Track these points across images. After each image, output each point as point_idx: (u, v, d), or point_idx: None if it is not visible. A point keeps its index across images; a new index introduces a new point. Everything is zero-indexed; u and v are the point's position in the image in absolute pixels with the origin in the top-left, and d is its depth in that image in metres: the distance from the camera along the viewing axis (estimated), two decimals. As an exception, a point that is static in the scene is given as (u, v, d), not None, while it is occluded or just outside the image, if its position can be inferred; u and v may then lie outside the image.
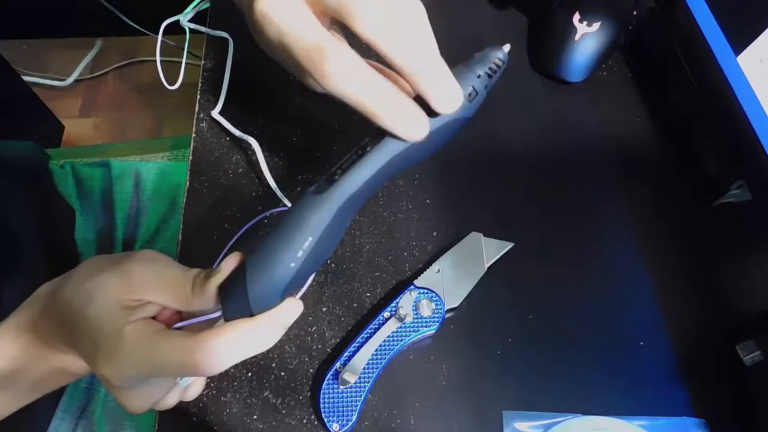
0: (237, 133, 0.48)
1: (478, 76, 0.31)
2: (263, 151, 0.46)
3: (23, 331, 0.33)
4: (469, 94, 0.30)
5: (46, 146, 0.71)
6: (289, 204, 0.45)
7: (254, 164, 0.48)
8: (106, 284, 0.30)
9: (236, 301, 0.28)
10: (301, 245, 0.28)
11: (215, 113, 0.49)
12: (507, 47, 0.32)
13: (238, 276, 0.29)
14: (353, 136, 0.31)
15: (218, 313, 0.30)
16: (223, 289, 0.29)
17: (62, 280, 0.33)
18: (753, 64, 0.39)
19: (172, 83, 0.51)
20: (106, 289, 0.30)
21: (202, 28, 0.54)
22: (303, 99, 0.51)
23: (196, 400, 0.40)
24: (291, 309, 0.30)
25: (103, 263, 0.32)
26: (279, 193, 0.45)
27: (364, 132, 0.30)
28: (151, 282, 0.31)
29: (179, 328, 0.32)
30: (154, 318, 0.31)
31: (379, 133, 0.29)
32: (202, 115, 0.50)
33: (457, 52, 0.57)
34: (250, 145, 0.49)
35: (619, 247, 0.46)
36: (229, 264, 0.30)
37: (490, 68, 0.31)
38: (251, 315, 0.29)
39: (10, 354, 0.33)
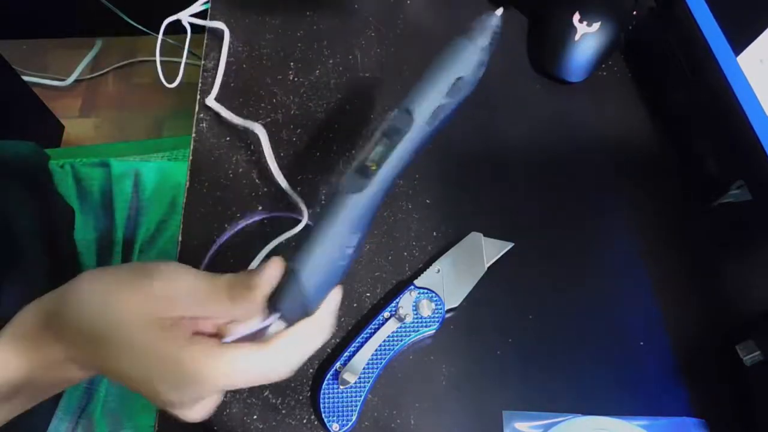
0: (236, 120, 0.47)
1: (483, 48, 0.31)
2: (269, 141, 0.46)
3: (23, 346, 0.31)
4: (480, 65, 0.31)
5: (46, 146, 0.71)
6: (292, 194, 0.45)
7: (254, 164, 0.48)
8: (139, 309, 0.28)
9: (295, 304, 0.29)
10: (351, 243, 0.29)
11: (210, 100, 0.48)
12: (500, 11, 0.32)
13: (290, 280, 0.28)
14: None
15: (265, 322, 0.29)
16: (278, 295, 0.29)
17: (61, 297, 0.31)
18: (753, 64, 0.39)
19: (171, 83, 0.51)
20: (141, 313, 0.28)
21: (201, 21, 0.54)
22: (302, 95, 0.51)
23: (196, 400, 0.39)
24: (337, 297, 0.30)
25: (117, 283, 0.30)
26: (285, 184, 0.45)
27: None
28: (185, 297, 0.29)
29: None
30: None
31: (401, 118, 0.29)
32: (202, 115, 0.50)
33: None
34: (249, 144, 0.49)
35: (619, 247, 0.46)
36: (271, 269, 0.29)
37: (492, 37, 0.31)
38: (309, 314, 0.29)
39: (14, 366, 0.31)
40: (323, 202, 0.29)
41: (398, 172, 0.29)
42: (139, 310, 0.28)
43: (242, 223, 0.45)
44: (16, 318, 0.31)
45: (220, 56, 0.52)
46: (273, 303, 0.29)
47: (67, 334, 0.30)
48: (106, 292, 0.29)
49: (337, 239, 0.28)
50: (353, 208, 0.28)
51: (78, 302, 0.30)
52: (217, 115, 0.50)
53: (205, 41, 0.54)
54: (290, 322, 0.29)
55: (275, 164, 0.45)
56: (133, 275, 0.29)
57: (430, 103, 0.30)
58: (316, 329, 0.30)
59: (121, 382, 0.30)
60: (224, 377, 0.28)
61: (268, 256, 0.43)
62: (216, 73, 0.51)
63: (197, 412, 0.30)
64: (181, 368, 0.27)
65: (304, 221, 0.44)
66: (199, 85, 0.51)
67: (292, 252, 0.29)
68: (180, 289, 0.29)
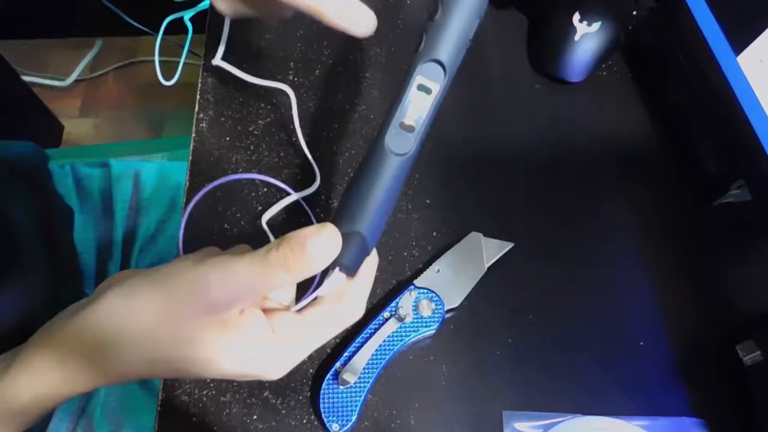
0: (247, 77, 0.46)
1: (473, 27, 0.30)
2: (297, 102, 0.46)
3: (51, 366, 0.30)
4: (469, 41, 0.30)
5: (46, 146, 0.71)
6: (309, 157, 0.47)
7: (254, 163, 0.48)
8: (201, 317, 0.28)
9: (358, 261, 0.30)
10: (396, 196, 0.31)
11: (217, 60, 0.46)
12: None
13: (354, 242, 0.30)
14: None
15: (328, 279, 0.30)
16: (342, 255, 0.29)
17: (84, 321, 0.29)
18: (753, 64, 0.39)
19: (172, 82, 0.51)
20: (206, 321, 0.28)
21: (203, 6, 0.53)
22: (301, 95, 0.51)
23: (196, 400, 0.40)
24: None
25: (165, 299, 0.28)
26: (306, 150, 0.46)
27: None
28: (245, 288, 0.28)
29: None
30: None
31: (433, 70, 0.29)
32: (201, 115, 0.50)
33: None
34: (249, 145, 0.49)
35: (619, 247, 0.46)
36: (325, 233, 0.29)
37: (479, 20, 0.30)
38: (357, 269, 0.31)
39: (44, 383, 0.30)
40: (367, 161, 0.29)
41: (430, 126, 0.30)
42: (201, 319, 0.28)
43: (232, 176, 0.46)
44: (41, 336, 0.31)
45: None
46: (336, 260, 0.29)
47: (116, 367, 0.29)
48: (161, 312, 0.28)
49: (390, 199, 0.30)
50: (401, 167, 0.30)
51: (130, 328, 0.28)
52: (217, 114, 0.50)
53: (205, 41, 0.54)
54: (350, 272, 0.30)
55: (299, 125, 0.46)
56: (177, 286, 0.29)
57: (459, 50, 0.29)
58: (371, 275, 0.32)
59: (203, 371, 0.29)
60: (312, 344, 0.30)
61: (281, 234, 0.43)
62: (222, 32, 0.50)
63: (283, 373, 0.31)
64: (271, 351, 0.29)
65: (316, 184, 0.46)
66: (199, 85, 0.51)
67: (345, 215, 0.30)
68: (237, 283, 0.28)
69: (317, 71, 0.53)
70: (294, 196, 0.46)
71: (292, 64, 0.53)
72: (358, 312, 0.31)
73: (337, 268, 0.29)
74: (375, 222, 0.30)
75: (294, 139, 0.49)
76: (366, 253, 0.30)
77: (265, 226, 0.45)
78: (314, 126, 0.50)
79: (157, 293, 0.29)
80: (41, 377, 0.29)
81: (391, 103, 0.29)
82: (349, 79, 0.53)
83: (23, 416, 0.30)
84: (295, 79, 0.52)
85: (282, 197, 0.46)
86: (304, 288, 0.36)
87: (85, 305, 0.30)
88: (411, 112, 0.29)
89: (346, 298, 0.30)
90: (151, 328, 0.28)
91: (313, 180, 0.47)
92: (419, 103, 0.29)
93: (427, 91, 0.29)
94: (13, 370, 0.29)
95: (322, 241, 0.28)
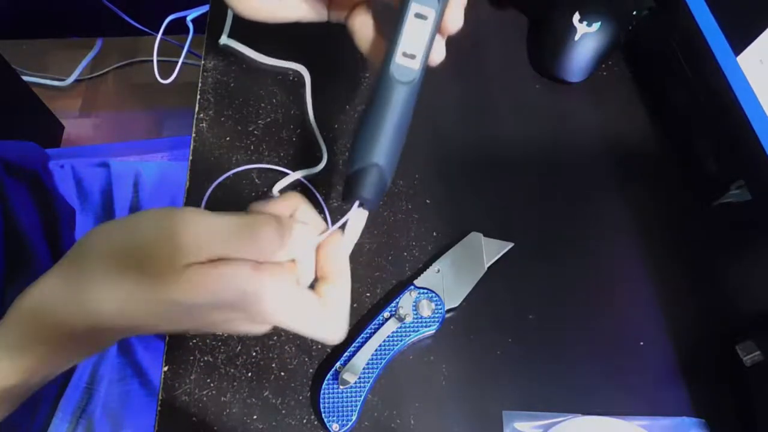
0: (254, 55, 0.46)
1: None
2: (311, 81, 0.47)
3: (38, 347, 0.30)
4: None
5: (46, 146, 0.71)
6: (318, 136, 0.48)
7: (254, 163, 0.48)
8: (185, 250, 0.27)
9: (378, 194, 0.30)
10: (408, 128, 0.31)
11: (224, 39, 0.46)
12: None
13: (374, 173, 0.30)
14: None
15: (348, 214, 0.31)
16: (363, 188, 0.30)
17: (72, 267, 0.29)
18: (753, 64, 0.39)
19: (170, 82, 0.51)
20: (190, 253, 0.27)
21: (204, 8, 0.53)
22: (301, 94, 0.51)
23: (196, 400, 0.40)
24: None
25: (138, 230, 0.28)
26: (320, 138, 0.47)
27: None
28: (219, 237, 0.27)
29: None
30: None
31: None
32: (201, 115, 0.50)
33: (457, 52, 0.57)
34: (249, 145, 0.49)
35: (619, 247, 0.46)
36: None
37: None
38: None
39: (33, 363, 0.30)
40: (375, 94, 0.30)
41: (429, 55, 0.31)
42: (172, 264, 0.27)
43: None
44: (18, 311, 0.30)
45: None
46: (356, 194, 0.30)
47: (93, 304, 0.28)
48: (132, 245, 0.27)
49: (402, 125, 0.31)
50: (408, 95, 0.30)
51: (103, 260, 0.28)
52: (217, 114, 0.50)
53: (205, 41, 0.54)
54: (370, 207, 0.31)
55: (311, 106, 0.47)
56: (153, 229, 0.28)
57: None
58: (343, 285, 0.30)
59: (181, 319, 0.28)
60: (281, 312, 0.28)
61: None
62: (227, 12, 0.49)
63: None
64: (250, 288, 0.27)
65: (323, 163, 0.47)
66: (199, 85, 0.51)
67: (360, 150, 0.30)
68: (205, 232, 0.27)
69: (330, 53, 0.53)
70: (299, 173, 0.47)
71: (301, 46, 0.53)
72: (336, 323, 0.30)
73: (357, 203, 0.30)
74: (390, 153, 0.30)
75: (294, 139, 0.49)
76: (384, 186, 0.31)
77: (277, 194, 0.45)
78: (325, 109, 0.51)
79: (125, 227, 0.29)
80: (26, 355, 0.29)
81: (391, 35, 0.30)
82: (362, 62, 0.53)
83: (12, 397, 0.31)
84: (295, 78, 0.52)
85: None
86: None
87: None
88: (411, 40, 0.30)
89: (329, 306, 0.29)
90: (117, 254, 0.27)
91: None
92: (418, 30, 0.30)
93: (424, 17, 0.30)
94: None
95: (303, 228, 0.29)
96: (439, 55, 0.33)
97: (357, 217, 0.31)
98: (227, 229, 0.28)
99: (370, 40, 0.34)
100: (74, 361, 0.32)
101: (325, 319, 0.29)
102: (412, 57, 0.30)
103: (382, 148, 0.30)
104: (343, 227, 0.31)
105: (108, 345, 0.33)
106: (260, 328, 0.30)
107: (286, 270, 0.29)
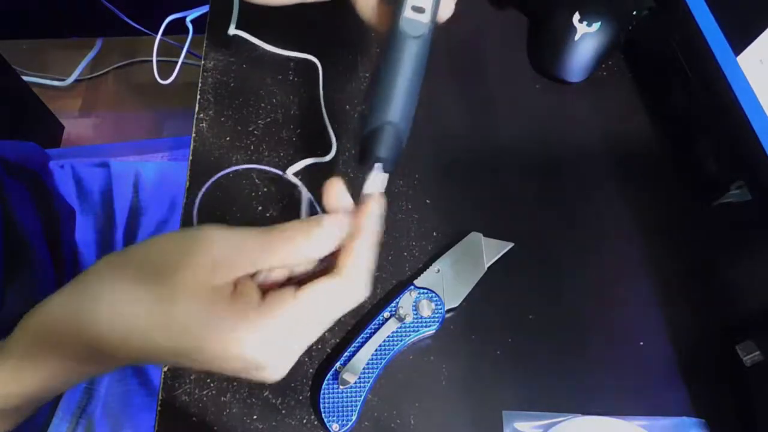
0: (268, 47, 0.46)
1: None
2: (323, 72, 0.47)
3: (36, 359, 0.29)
4: None
5: (46, 146, 0.71)
6: (329, 126, 0.48)
7: (254, 163, 0.48)
8: (193, 282, 0.26)
9: (395, 152, 0.30)
10: (421, 83, 0.31)
11: (233, 30, 0.45)
12: None
13: (388, 131, 0.30)
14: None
15: (369, 176, 0.30)
16: (378, 146, 0.30)
17: (82, 295, 0.28)
18: (753, 64, 0.39)
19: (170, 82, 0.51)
20: (196, 287, 0.26)
21: (204, 9, 0.54)
22: (301, 95, 0.51)
23: (196, 400, 0.40)
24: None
25: (147, 265, 0.27)
26: (330, 128, 0.47)
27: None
28: (236, 257, 0.27)
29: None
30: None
31: None
32: (201, 115, 0.50)
33: (457, 52, 0.57)
34: (249, 145, 0.49)
35: (619, 247, 0.46)
36: (336, 218, 0.29)
37: None
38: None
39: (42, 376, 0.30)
40: (386, 51, 0.31)
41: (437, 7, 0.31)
42: (193, 285, 0.26)
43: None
44: (23, 330, 0.29)
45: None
46: (373, 155, 0.30)
47: (104, 332, 0.27)
48: (136, 280, 0.26)
49: (415, 82, 0.31)
50: (419, 49, 0.30)
51: (112, 294, 0.27)
52: (217, 114, 0.50)
53: (205, 41, 0.54)
54: (389, 168, 0.30)
55: (323, 96, 0.47)
56: (171, 246, 0.27)
57: None
58: (369, 237, 0.29)
59: (191, 364, 0.27)
60: (312, 324, 0.27)
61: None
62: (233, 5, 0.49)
63: (286, 367, 0.29)
64: (264, 331, 0.26)
65: (333, 153, 0.47)
66: (199, 85, 0.51)
67: (375, 109, 0.30)
68: (227, 250, 0.27)
69: (338, 43, 0.53)
70: (310, 160, 0.47)
71: (291, 64, 0.53)
72: (360, 289, 0.29)
73: (376, 165, 0.30)
74: (405, 109, 0.30)
75: (294, 138, 0.49)
76: (401, 144, 0.30)
77: (291, 177, 0.45)
78: (334, 99, 0.51)
79: (147, 250, 0.28)
80: (43, 370, 0.29)
81: None
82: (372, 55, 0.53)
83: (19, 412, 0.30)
84: (295, 78, 0.52)
85: (284, 195, 0.46)
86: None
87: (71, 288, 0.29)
88: None
89: (346, 274, 0.28)
90: (135, 276, 0.26)
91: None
92: None
93: None
94: (10, 366, 0.29)
95: (330, 223, 0.28)
96: (447, 10, 0.33)
97: (376, 180, 0.30)
98: (256, 242, 0.27)
99: (372, 6, 0.34)
100: (74, 380, 0.31)
101: (347, 293, 0.28)
102: (421, 11, 0.30)
103: (397, 106, 0.30)
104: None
105: (108, 369, 0.32)
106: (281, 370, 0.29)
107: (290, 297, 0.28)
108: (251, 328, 0.26)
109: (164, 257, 0.27)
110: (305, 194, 0.43)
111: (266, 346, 0.26)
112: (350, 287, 0.28)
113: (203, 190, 0.45)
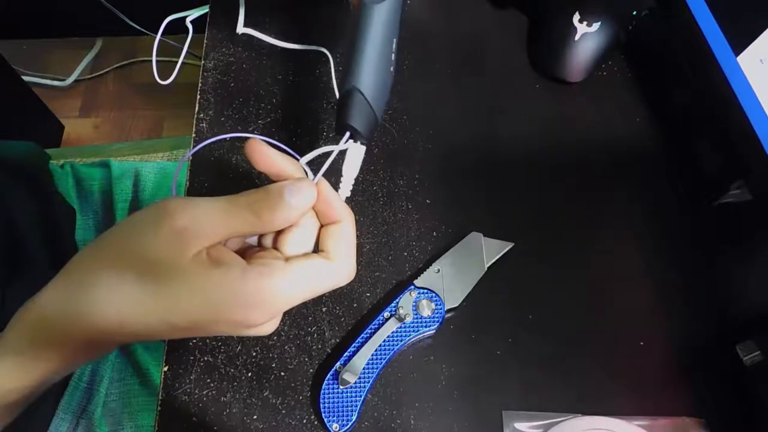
0: (278, 43, 0.46)
1: None
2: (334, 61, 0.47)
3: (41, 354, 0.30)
4: None
5: (46, 146, 0.71)
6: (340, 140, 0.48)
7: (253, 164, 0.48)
8: (170, 250, 0.26)
9: (366, 120, 0.30)
10: (392, 48, 0.31)
11: (241, 28, 0.45)
12: None
13: (356, 98, 0.30)
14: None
15: (341, 145, 0.31)
16: (348, 114, 0.30)
17: (76, 290, 0.28)
18: (753, 64, 0.39)
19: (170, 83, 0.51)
20: (175, 254, 0.26)
21: (204, 9, 0.54)
22: (301, 96, 0.51)
23: (196, 400, 0.40)
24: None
25: (120, 244, 0.28)
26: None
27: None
28: (208, 224, 0.27)
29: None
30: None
31: None
32: (201, 115, 0.50)
33: (457, 52, 0.57)
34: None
35: (619, 247, 0.46)
36: (302, 184, 0.29)
37: None
38: (375, 127, 0.31)
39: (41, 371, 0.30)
40: (355, 22, 0.31)
41: None
42: (173, 256, 0.26)
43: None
44: (22, 322, 0.30)
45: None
46: (345, 124, 0.30)
47: (96, 312, 0.27)
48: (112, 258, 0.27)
49: (384, 48, 0.31)
50: (383, 15, 0.31)
51: (98, 272, 0.28)
52: (217, 114, 0.50)
53: (205, 42, 0.54)
54: (364, 140, 0.31)
55: (336, 87, 0.47)
56: (140, 226, 0.28)
57: None
58: (349, 221, 0.30)
59: (179, 332, 0.28)
60: (297, 290, 0.28)
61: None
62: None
63: (272, 325, 0.30)
64: (247, 296, 0.27)
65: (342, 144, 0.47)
66: (199, 85, 0.52)
67: (344, 75, 0.30)
68: (201, 215, 0.27)
69: (317, 71, 0.53)
70: (325, 149, 0.46)
71: (291, 64, 0.53)
72: (346, 268, 0.30)
73: (347, 134, 0.30)
74: (371, 77, 0.30)
75: (294, 138, 0.49)
76: (371, 115, 0.30)
77: (304, 166, 0.45)
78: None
79: (120, 232, 0.29)
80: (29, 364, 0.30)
81: None
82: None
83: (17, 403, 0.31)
84: (295, 78, 0.52)
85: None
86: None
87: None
88: None
89: (335, 256, 0.29)
90: (114, 261, 0.27)
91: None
92: None
93: None
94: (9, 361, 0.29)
95: (297, 191, 0.28)
96: None
97: (352, 152, 0.31)
98: (224, 210, 0.28)
99: None
100: (76, 366, 0.32)
101: (334, 272, 0.29)
102: None
103: (361, 72, 0.30)
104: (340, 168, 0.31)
105: (109, 351, 0.33)
106: (269, 327, 0.30)
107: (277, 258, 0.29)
108: (250, 291, 0.27)
109: (136, 237, 0.27)
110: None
111: (264, 307, 0.27)
112: (339, 269, 0.29)
113: (190, 153, 0.45)
